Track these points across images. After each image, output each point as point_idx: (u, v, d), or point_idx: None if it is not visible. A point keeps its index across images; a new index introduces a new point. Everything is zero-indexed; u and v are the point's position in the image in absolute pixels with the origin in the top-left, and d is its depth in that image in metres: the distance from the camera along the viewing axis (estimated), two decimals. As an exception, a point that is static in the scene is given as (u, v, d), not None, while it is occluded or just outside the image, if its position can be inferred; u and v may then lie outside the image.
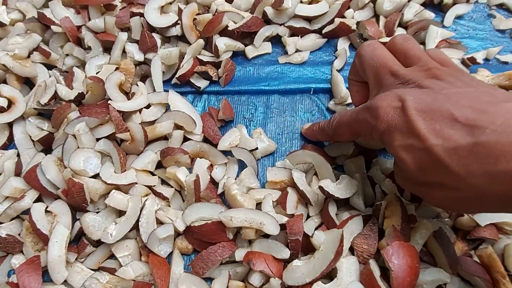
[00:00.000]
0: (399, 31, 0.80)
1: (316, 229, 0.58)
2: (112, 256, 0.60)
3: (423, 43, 0.81)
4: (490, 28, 0.86)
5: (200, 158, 0.65)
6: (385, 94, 0.46)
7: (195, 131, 0.67)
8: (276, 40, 0.82)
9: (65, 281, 0.56)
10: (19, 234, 0.61)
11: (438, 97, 0.42)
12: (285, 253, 0.54)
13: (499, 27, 0.85)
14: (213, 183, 0.65)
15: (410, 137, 0.41)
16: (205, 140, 0.69)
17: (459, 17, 0.86)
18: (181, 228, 0.58)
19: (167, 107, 0.71)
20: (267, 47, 0.81)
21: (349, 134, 0.55)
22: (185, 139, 0.68)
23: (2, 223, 0.61)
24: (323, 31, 0.80)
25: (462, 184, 0.38)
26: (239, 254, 0.56)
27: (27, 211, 0.60)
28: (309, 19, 0.81)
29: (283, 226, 0.56)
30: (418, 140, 0.40)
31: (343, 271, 0.51)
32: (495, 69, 0.77)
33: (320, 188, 0.57)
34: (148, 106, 0.70)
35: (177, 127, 0.68)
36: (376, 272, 0.50)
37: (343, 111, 0.56)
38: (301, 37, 0.81)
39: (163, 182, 0.66)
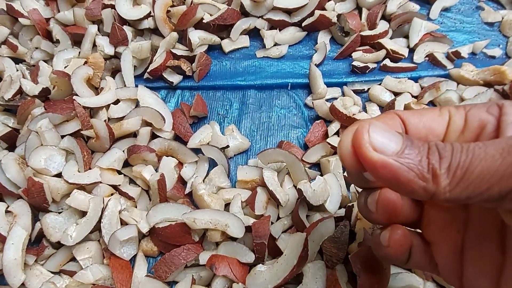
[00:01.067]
0: (382, 24, 0.77)
1: (285, 231, 0.56)
2: (74, 258, 0.57)
3: (406, 36, 0.77)
4: (478, 21, 0.82)
5: (168, 156, 0.62)
6: None
7: (164, 128, 0.64)
8: (254, 34, 0.79)
9: (23, 284, 0.54)
10: (-22, 236, 0.58)
11: None
12: (250, 257, 0.52)
13: (488, 19, 0.81)
14: (182, 182, 0.63)
15: None
16: (176, 137, 0.66)
17: (446, 10, 0.83)
18: (145, 229, 0.55)
19: (137, 103, 0.68)
20: (245, 41, 0.78)
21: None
22: (155, 136, 0.65)
23: (-40, 223, 0.59)
24: (303, 24, 0.77)
25: None
26: (203, 258, 0.53)
27: (-13, 211, 0.58)
28: (288, 12, 0.78)
29: (249, 228, 0.54)
30: None
31: (309, 277, 0.48)
32: (482, 64, 0.74)
33: (298, 190, 0.54)
34: (117, 102, 0.67)
35: (147, 124, 0.66)
36: (343, 278, 0.47)
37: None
38: (280, 30, 0.77)
39: (131, 181, 0.64)
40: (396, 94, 0.70)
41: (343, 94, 0.71)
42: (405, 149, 0.26)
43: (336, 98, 0.70)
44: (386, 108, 0.68)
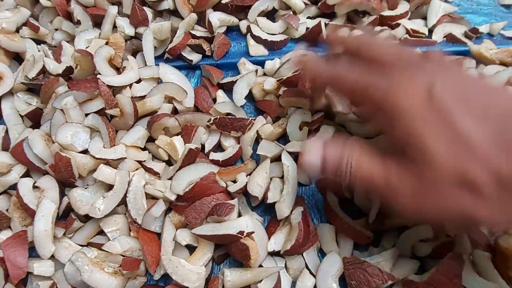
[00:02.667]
0: (403, 4, 0.77)
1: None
2: (101, 232, 0.59)
3: (424, 18, 0.78)
4: (495, 3, 0.82)
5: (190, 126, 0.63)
6: (403, 77, 0.39)
7: (186, 102, 0.65)
8: (271, 15, 0.80)
9: (53, 256, 0.55)
10: (6, 210, 0.59)
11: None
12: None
13: (504, 2, 0.81)
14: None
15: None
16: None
17: (463, -8, 0.83)
18: (172, 197, 0.56)
19: (159, 82, 0.69)
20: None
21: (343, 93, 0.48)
22: (177, 113, 0.66)
23: (-10, 198, 0.60)
24: (319, 4, 0.77)
25: None
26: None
27: (15, 187, 0.59)
28: (304, -7, 0.78)
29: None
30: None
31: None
32: (500, 44, 0.74)
33: None
34: (139, 81, 0.68)
35: (169, 101, 0.66)
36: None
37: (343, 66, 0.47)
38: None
39: (154, 158, 0.65)
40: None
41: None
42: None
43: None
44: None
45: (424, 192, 0.35)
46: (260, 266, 0.54)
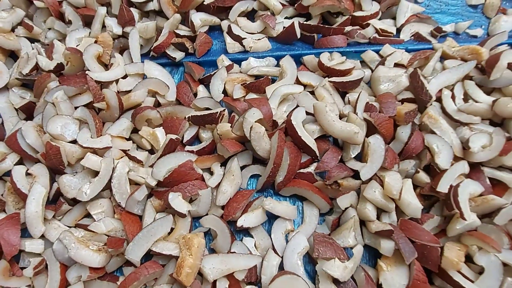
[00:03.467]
0: (374, 5, 0.82)
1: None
2: (88, 215, 0.64)
3: (394, 17, 0.83)
4: (462, 3, 0.87)
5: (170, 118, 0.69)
6: None
7: (168, 97, 0.71)
8: (251, 15, 0.85)
9: (43, 236, 0.61)
10: (1, 195, 0.65)
11: None
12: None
13: (471, 2, 0.86)
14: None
15: None
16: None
17: (433, -7, 0.88)
18: (153, 183, 0.62)
19: (144, 78, 0.74)
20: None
21: None
22: (160, 106, 0.72)
23: (-14, 184, 0.65)
24: (295, 5, 0.82)
25: None
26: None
27: (9, 173, 0.64)
28: (282, -6, 0.84)
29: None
30: None
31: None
32: (464, 42, 0.79)
33: None
34: (125, 77, 0.74)
35: (153, 95, 0.72)
36: None
37: None
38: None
39: (138, 148, 0.70)
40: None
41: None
42: None
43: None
44: (380, 63, 0.73)
45: None
46: (233, 252, 0.59)
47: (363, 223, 0.62)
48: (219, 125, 0.66)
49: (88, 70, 0.71)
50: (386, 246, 0.56)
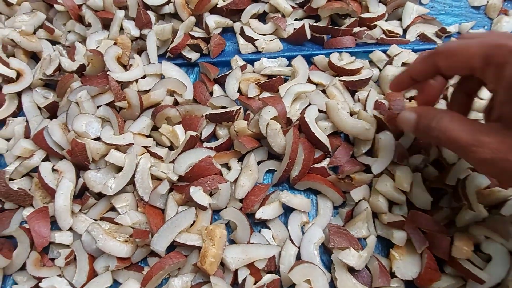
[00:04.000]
0: (380, 7, 0.85)
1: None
2: (112, 209, 0.67)
3: (400, 19, 0.86)
4: (465, 5, 0.91)
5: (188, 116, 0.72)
6: None
7: (186, 96, 0.74)
8: (263, 17, 0.88)
9: (70, 229, 0.64)
10: (29, 190, 0.68)
11: None
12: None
13: (474, 3, 0.90)
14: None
15: None
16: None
17: (436, -5, 0.92)
18: (175, 178, 0.65)
19: (162, 78, 0.78)
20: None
21: (464, 60, 0.47)
22: (177, 104, 0.75)
23: (14, 179, 0.68)
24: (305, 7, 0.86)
25: None
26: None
27: (35, 170, 0.68)
28: (292, -4, 0.87)
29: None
30: None
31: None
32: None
33: None
34: (144, 77, 0.77)
35: (171, 94, 0.75)
36: None
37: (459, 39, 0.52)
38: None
39: (157, 144, 0.73)
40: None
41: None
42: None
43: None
44: (388, 63, 0.77)
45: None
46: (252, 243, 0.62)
47: (375, 215, 0.65)
48: (236, 122, 0.69)
49: (109, 70, 0.75)
50: (398, 236, 0.60)
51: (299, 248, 0.62)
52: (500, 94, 0.44)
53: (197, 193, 0.62)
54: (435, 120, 0.48)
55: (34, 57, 0.83)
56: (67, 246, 0.63)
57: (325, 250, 0.64)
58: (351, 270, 0.59)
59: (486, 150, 0.42)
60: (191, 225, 0.63)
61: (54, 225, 0.64)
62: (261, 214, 0.63)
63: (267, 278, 0.59)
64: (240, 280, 0.59)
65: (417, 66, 0.54)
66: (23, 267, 0.62)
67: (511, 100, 0.42)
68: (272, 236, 0.64)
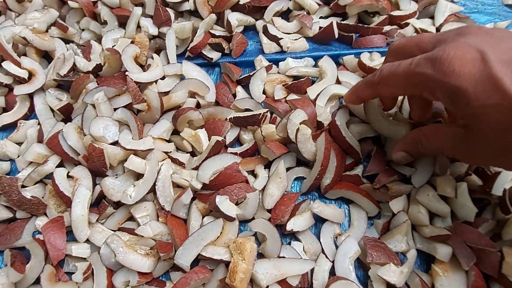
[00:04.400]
0: (412, 4, 0.81)
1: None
2: (130, 219, 0.63)
3: (432, 17, 0.82)
4: (499, 3, 0.86)
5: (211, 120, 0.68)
6: (454, 44, 0.40)
7: (208, 98, 0.69)
8: (286, 15, 0.84)
9: (87, 240, 0.59)
10: (42, 197, 0.64)
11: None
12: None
13: (508, 1, 0.85)
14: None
15: (495, 94, 0.36)
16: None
17: (468, -8, 0.87)
18: (199, 186, 0.61)
19: (182, 78, 0.73)
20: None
21: (401, 89, 0.49)
22: (199, 107, 0.70)
23: (27, 186, 0.64)
24: (331, 4, 0.81)
25: None
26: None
27: (49, 176, 0.63)
28: (317, -6, 0.83)
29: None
30: (506, 98, 0.36)
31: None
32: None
33: None
34: (163, 78, 0.72)
35: (191, 96, 0.71)
36: None
37: (396, 62, 0.48)
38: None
39: (178, 150, 0.69)
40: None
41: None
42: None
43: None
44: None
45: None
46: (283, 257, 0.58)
47: (413, 227, 0.60)
48: (264, 127, 0.65)
49: (126, 71, 0.70)
50: (442, 251, 0.55)
51: (333, 262, 0.58)
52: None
53: (224, 203, 0.58)
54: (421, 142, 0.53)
55: (46, 56, 0.79)
56: (84, 259, 0.59)
57: (360, 265, 0.60)
58: (391, 286, 0.55)
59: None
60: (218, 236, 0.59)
61: (69, 236, 0.60)
62: (292, 225, 0.59)
63: (301, 295, 0.54)
64: (271, 297, 0.54)
65: (363, 92, 0.58)
66: (37, 282, 0.57)
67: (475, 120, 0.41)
68: (303, 249, 0.60)
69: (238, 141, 0.70)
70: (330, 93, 0.67)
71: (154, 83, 0.71)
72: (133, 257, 0.56)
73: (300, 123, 0.63)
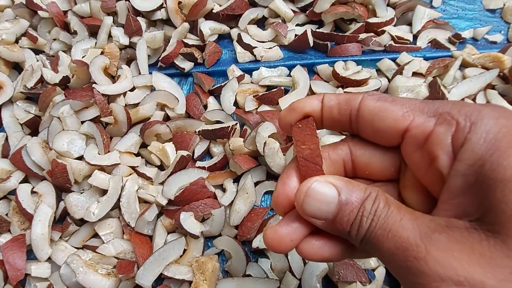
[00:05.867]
0: (388, 11, 0.79)
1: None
2: (96, 235, 0.61)
3: (410, 23, 0.80)
4: (480, 8, 0.84)
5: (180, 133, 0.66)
6: None
7: (177, 110, 0.68)
8: (261, 23, 0.82)
9: (49, 258, 0.58)
10: (6, 214, 0.62)
11: None
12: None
13: (489, 6, 0.83)
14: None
15: None
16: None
17: (448, -3, 0.85)
18: (164, 202, 0.59)
19: (152, 90, 0.72)
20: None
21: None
22: (169, 119, 0.69)
23: (-10, 203, 0.63)
24: (307, 12, 0.80)
25: None
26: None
27: (14, 192, 0.62)
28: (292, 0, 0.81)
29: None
30: None
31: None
32: (483, 49, 0.76)
33: None
34: (133, 89, 0.71)
35: (161, 108, 0.69)
36: None
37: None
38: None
39: (147, 162, 0.67)
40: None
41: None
42: (336, 216, 0.27)
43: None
44: (398, 73, 0.70)
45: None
46: (249, 275, 0.56)
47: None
48: (231, 140, 0.63)
49: (95, 83, 0.69)
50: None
51: (299, 280, 0.56)
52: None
53: (188, 220, 0.57)
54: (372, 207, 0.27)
55: (16, 67, 0.78)
56: (46, 279, 0.57)
57: (329, 283, 0.58)
58: (358, 305, 0.53)
59: None
60: (181, 254, 0.57)
61: (32, 254, 0.59)
62: (258, 243, 0.57)
63: (265, 316, 0.53)
64: (234, 319, 0.53)
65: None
66: (-3, 302, 0.56)
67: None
68: (271, 267, 0.58)
69: (208, 154, 0.69)
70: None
71: (123, 95, 0.69)
72: (93, 278, 0.54)
73: (269, 136, 0.62)
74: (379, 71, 0.74)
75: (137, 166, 0.64)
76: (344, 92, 0.68)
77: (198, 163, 0.65)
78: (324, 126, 0.33)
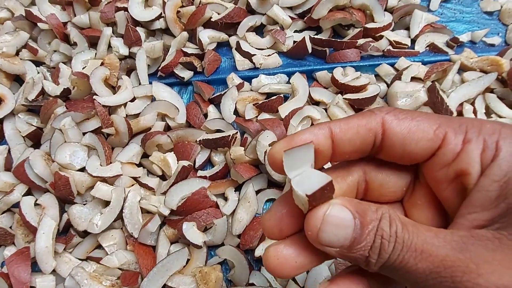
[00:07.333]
0: (386, 16, 0.79)
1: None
2: (100, 246, 0.62)
3: (408, 28, 0.80)
4: (477, 10, 0.85)
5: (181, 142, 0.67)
6: None
7: (178, 120, 0.68)
8: (260, 30, 0.83)
9: (54, 270, 0.58)
10: (10, 227, 0.63)
11: None
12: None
13: (487, 9, 0.83)
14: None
15: None
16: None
17: (446, 1, 0.85)
18: (166, 212, 0.60)
19: (152, 99, 0.72)
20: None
21: None
22: (170, 129, 0.69)
23: (-6, 216, 0.63)
24: (305, 18, 0.80)
25: None
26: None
27: (17, 205, 0.62)
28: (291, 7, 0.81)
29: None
30: None
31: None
32: (482, 52, 0.76)
33: None
34: (133, 100, 0.71)
35: (162, 118, 0.70)
36: None
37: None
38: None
39: (149, 173, 0.68)
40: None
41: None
42: (353, 242, 0.26)
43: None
44: (396, 78, 0.70)
45: None
46: (252, 284, 0.57)
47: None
48: (232, 149, 0.64)
49: (96, 94, 0.69)
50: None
51: (303, 288, 0.57)
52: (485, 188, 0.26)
53: (190, 230, 0.57)
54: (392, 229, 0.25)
55: (17, 79, 0.78)
56: (50, 291, 0.58)
57: (332, 289, 0.58)
58: (362, 313, 0.54)
59: None
60: (185, 264, 0.58)
61: (37, 266, 0.59)
62: (261, 251, 0.58)
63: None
64: (238, 328, 0.53)
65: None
66: (3, 315, 0.57)
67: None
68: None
69: (210, 162, 0.69)
70: (304, 115, 0.65)
71: (123, 106, 0.69)
72: (98, 289, 0.55)
73: (269, 144, 0.62)
74: (378, 76, 0.74)
75: (139, 177, 0.64)
76: (344, 98, 0.68)
77: (200, 173, 0.65)
78: (333, 160, 0.30)
